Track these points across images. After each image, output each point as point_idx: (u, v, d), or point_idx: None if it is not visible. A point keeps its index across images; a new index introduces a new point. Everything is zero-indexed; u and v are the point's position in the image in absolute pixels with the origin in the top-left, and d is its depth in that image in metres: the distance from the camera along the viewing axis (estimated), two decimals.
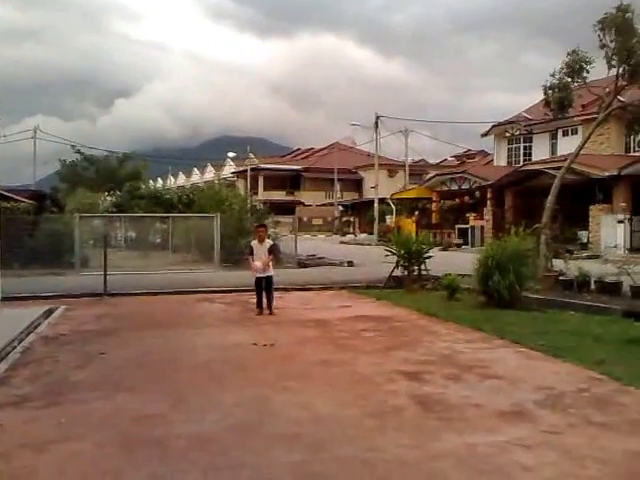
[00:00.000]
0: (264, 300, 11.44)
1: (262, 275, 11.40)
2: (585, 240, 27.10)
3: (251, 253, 11.62)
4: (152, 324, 10.50)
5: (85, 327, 10.15)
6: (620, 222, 25.43)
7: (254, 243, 11.72)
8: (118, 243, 23.43)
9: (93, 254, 18.86)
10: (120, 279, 15.44)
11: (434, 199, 40.61)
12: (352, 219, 57.30)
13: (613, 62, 14.80)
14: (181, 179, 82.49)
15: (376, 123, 42.57)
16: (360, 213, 57.01)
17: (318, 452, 4.63)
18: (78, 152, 50.45)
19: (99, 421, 5.40)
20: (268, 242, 11.86)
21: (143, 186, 34.67)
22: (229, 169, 71.73)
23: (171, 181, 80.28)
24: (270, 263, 11.58)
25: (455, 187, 38.23)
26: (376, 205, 42.22)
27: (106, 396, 6.14)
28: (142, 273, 17.88)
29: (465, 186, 37.09)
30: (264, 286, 11.44)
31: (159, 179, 79.05)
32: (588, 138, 16.71)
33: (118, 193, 31.10)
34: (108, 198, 30.61)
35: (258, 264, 11.35)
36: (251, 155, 66.74)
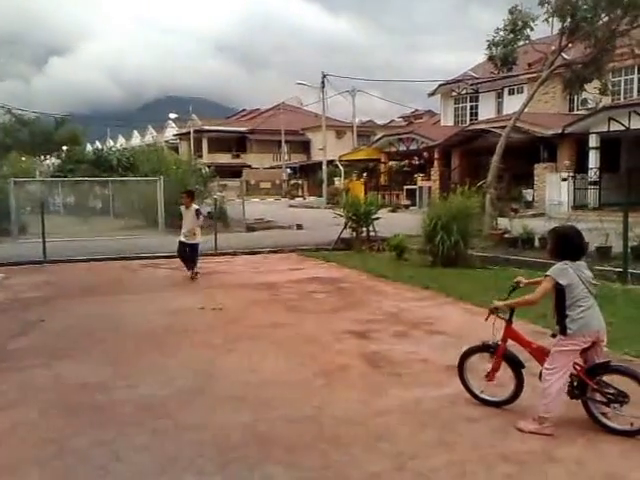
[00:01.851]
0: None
1: (187, 242, 11.23)
2: (530, 198, 27.65)
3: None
4: (95, 291, 10.22)
5: (24, 295, 9.81)
6: (564, 180, 25.96)
7: (182, 209, 11.54)
8: (57, 209, 22.64)
9: (31, 221, 18.15)
10: (61, 246, 14.97)
11: (383, 160, 40.64)
12: (300, 182, 56.80)
13: (554, 19, 14.88)
14: (121, 142, 79.84)
15: (323, 82, 41.87)
16: (308, 175, 56.65)
17: (266, 412, 4.60)
18: (9, 112, 48.25)
19: (40, 389, 5.24)
20: (194, 206, 11.47)
21: (81, 147, 33.44)
22: (171, 131, 69.77)
23: (110, 144, 77.60)
24: (197, 231, 11.32)
25: (403, 148, 38.33)
26: (324, 167, 41.92)
27: (47, 364, 5.95)
28: (84, 239, 17.34)
29: (413, 147, 37.22)
30: (188, 254, 11.26)
31: (97, 142, 76.37)
32: (532, 96, 16.88)
33: (56, 158, 29.95)
34: (46, 162, 29.44)
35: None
36: (194, 116, 64.96)
